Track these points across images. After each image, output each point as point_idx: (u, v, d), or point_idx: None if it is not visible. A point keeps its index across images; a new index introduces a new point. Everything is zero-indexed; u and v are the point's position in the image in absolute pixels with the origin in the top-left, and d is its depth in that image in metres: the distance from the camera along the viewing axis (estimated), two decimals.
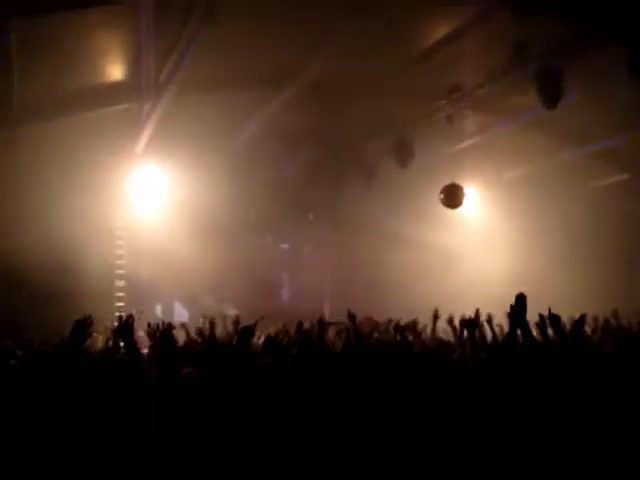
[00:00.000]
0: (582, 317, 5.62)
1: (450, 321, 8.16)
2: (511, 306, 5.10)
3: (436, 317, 8.77)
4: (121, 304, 15.13)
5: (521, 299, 5.08)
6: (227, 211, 16.22)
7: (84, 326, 4.83)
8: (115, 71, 13.13)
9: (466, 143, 15.33)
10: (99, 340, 8.48)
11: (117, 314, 12.23)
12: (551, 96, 11.74)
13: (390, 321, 8.72)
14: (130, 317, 5.13)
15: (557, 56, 11.45)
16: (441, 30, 12.06)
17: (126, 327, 5.09)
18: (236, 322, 8.50)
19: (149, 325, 5.94)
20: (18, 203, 13.29)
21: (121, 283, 15.78)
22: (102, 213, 15.17)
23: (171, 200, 16.17)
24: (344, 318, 7.51)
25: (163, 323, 5.69)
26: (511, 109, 14.24)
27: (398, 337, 6.74)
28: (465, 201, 14.96)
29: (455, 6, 10.92)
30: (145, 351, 5.95)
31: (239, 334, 5.92)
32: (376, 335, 8.42)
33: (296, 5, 10.63)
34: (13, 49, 10.47)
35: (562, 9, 10.40)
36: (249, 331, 5.87)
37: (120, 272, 16.02)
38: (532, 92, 12.12)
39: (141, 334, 7.84)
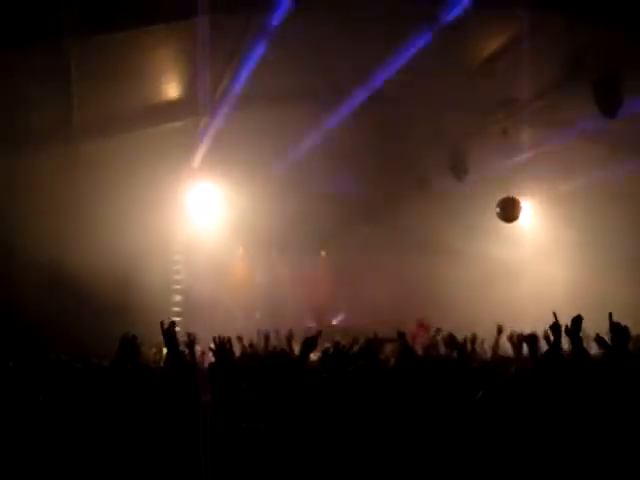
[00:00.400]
0: (616, 326, 5.43)
1: (511, 337, 8.05)
2: (566, 327, 5.06)
3: (500, 331, 8.64)
4: (178, 319, 15.22)
5: (577, 321, 5.04)
6: (282, 225, 16.27)
7: (130, 343, 4.89)
8: (172, 88, 13.30)
9: (522, 156, 15.19)
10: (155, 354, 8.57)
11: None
12: (610, 105, 11.60)
13: (438, 330, 8.61)
14: (171, 323, 5.07)
15: (611, 66, 11.32)
16: (495, 42, 11.99)
17: (169, 333, 5.04)
18: (289, 336, 8.50)
19: (189, 336, 5.87)
20: (78, 219, 13.52)
21: (178, 298, 15.92)
22: (160, 228, 15.33)
23: (227, 215, 16.32)
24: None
25: (219, 337, 5.68)
26: (566, 121, 14.08)
27: (454, 353, 6.66)
28: (521, 214, 14.85)
29: (509, 18, 10.84)
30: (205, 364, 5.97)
31: (303, 345, 5.84)
32: (431, 351, 8.33)
33: (352, 21, 10.68)
34: (73, 68, 10.69)
35: (616, 18, 10.27)
36: (312, 343, 5.81)
37: (177, 287, 16.18)
38: (587, 104, 12.00)
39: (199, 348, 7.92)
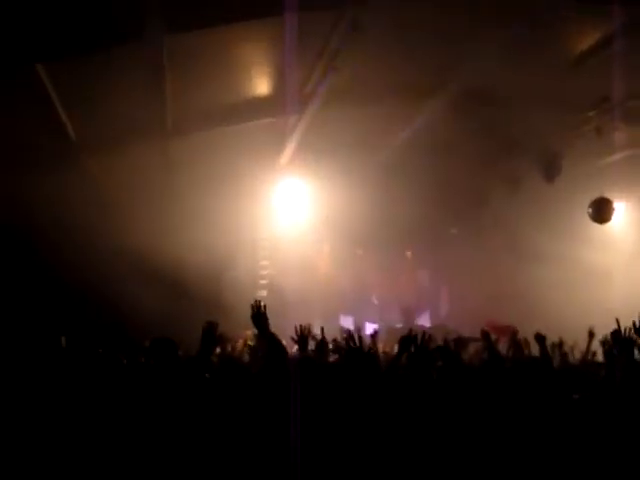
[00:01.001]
0: None
1: (604, 342, 7.89)
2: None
3: (592, 335, 8.44)
4: None
5: None
6: (369, 224, 16.24)
7: (211, 332, 4.95)
8: (262, 84, 13.38)
9: (615, 157, 14.82)
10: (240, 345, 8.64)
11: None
12: None
13: (515, 332, 8.44)
14: (260, 303, 5.09)
15: None
16: (590, 38, 11.71)
17: (259, 314, 5.06)
18: (374, 335, 8.49)
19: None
20: (170, 214, 13.77)
21: (264, 293, 16.02)
22: (248, 224, 15.48)
23: (315, 212, 16.38)
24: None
25: (302, 327, 5.71)
26: None
27: (539, 352, 6.59)
28: (614, 216, 14.54)
29: (604, 13, 10.56)
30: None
31: (400, 344, 5.81)
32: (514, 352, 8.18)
33: (443, 15, 10.58)
34: (166, 63, 10.88)
35: None
36: (409, 343, 5.77)
37: (263, 282, 16.30)
38: None
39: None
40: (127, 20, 9.32)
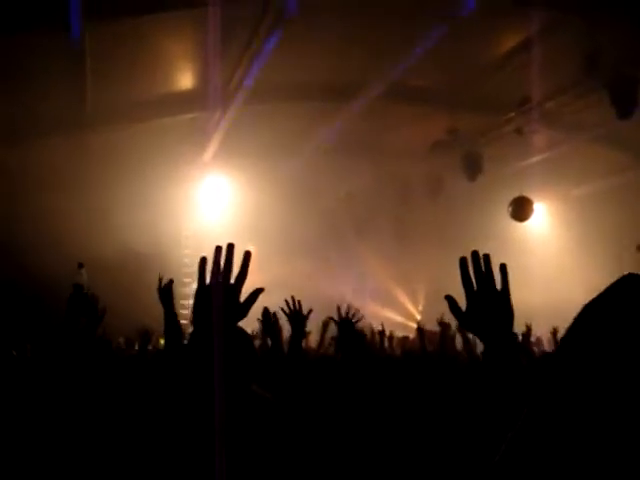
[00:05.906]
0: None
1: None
2: None
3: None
4: (186, 312, 15.04)
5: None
6: (294, 223, 16.20)
7: (169, 289, 4.65)
8: (185, 79, 13.27)
9: (536, 158, 15.09)
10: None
11: (182, 321, 12.16)
12: (625, 106, 11.54)
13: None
14: (170, 280, 4.86)
15: (630, 66, 11.26)
16: (512, 40, 11.93)
17: (166, 289, 4.81)
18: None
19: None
20: (86, 208, 13.50)
21: (186, 291, 15.83)
22: (169, 221, 15.29)
23: (238, 209, 16.28)
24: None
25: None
26: (582, 124, 13.99)
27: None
28: (532, 216, 14.81)
29: (526, 16, 10.78)
30: None
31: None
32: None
33: (368, 17, 10.64)
34: (87, 55, 10.69)
35: (633, 19, 10.19)
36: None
37: (186, 280, 16.11)
38: (604, 106, 11.91)
39: None
40: (50, 4, 9.15)
